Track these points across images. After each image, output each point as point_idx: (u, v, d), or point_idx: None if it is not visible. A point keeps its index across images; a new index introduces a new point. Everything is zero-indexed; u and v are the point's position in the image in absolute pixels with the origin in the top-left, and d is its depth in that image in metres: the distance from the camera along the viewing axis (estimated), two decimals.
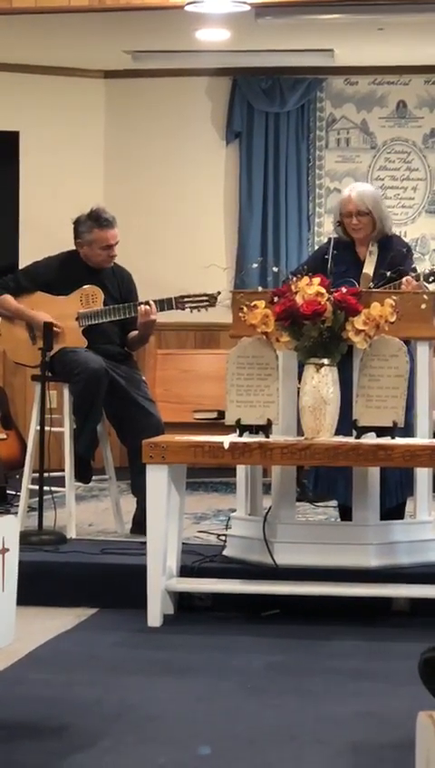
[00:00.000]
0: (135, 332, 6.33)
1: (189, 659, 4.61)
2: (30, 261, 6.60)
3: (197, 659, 4.61)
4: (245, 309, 5.25)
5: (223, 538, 5.70)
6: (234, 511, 5.68)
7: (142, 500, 5.78)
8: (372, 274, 5.82)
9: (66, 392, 6.16)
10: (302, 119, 9.18)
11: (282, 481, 5.44)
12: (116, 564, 5.52)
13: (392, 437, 5.09)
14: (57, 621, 5.12)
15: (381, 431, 5.13)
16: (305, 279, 5.16)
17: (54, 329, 6.19)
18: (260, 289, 5.57)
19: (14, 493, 6.82)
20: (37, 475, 5.99)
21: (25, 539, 5.59)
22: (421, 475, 5.47)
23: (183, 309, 6.24)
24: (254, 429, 5.18)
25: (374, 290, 5.59)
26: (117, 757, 3.52)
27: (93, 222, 6.24)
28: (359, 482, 5.37)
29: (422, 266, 7.35)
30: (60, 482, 6.19)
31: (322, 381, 5.12)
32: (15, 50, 8.60)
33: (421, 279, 5.69)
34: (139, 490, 5.95)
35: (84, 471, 6.24)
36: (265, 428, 5.16)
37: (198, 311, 6.22)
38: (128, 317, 6.25)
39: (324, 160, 9.21)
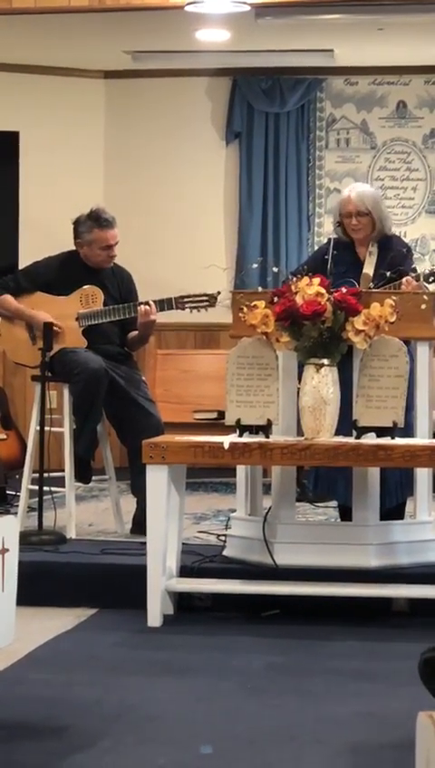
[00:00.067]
0: (135, 333, 6.33)
1: (189, 659, 4.61)
2: (30, 261, 6.59)
3: (197, 659, 4.61)
4: (245, 309, 5.24)
5: (223, 538, 5.69)
6: (234, 511, 5.68)
7: (142, 500, 5.78)
8: (371, 275, 5.82)
9: (66, 392, 6.15)
10: (302, 119, 9.17)
11: (282, 481, 5.44)
12: (116, 564, 5.51)
13: (392, 438, 5.09)
14: (57, 621, 5.12)
15: (381, 431, 5.13)
16: (305, 279, 5.16)
17: (54, 329, 6.19)
18: (260, 289, 5.57)
19: (14, 493, 6.81)
20: (37, 475, 5.98)
21: (25, 539, 5.59)
22: (421, 475, 5.46)
23: (183, 309, 6.24)
24: (254, 429, 5.18)
25: (374, 290, 5.59)
26: (117, 757, 3.52)
27: (93, 222, 6.24)
28: (359, 482, 5.37)
29: (422, 266, 7.35)
30: (60, 482, 6.19)
31: (322, 381, 5.12)
32: (15, 50, 8.59)
33: (421, 279, 5.69)
34: (139, 490, 5.95)
35: (84, 471, 6.24)
36: (265, 429, 5.16)
37: (198, 311, 6.22)
38: (128, 317, 6.24)
39: (324, 160, 9.20)
